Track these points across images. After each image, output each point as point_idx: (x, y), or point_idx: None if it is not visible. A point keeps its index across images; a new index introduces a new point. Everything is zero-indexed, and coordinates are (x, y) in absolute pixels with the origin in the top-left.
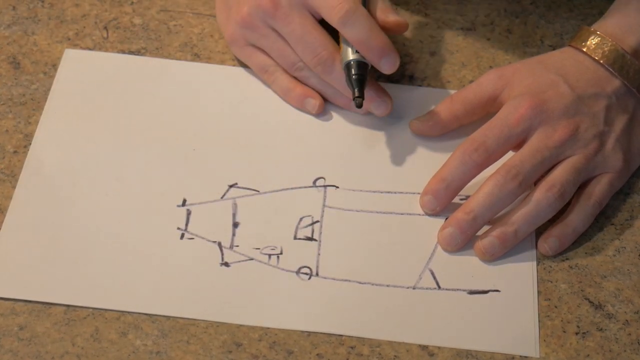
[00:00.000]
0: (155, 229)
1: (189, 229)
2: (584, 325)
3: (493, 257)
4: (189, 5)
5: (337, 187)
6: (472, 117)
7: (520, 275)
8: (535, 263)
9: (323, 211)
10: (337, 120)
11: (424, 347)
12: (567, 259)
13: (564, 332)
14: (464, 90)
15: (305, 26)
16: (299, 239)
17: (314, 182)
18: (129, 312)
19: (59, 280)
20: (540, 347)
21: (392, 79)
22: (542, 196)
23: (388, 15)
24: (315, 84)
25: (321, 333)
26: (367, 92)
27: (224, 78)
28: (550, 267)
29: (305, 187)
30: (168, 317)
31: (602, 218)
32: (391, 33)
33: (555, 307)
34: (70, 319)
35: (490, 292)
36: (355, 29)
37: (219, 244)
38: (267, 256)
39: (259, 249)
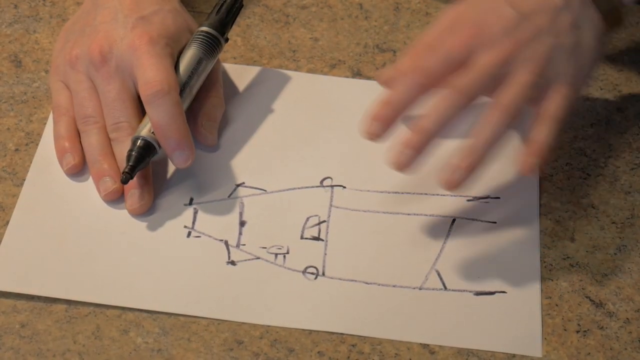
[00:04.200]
0: (162, 227)
1: (195, 227)
2: (585, 323)
3: (460, 179)
4: (189, 4)
5: (344, 187)
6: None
7: (526, 277)
8: (540, 265)
9: (330, 211)
10: (344, 120)
11: (425, 346)
12: (568, 257)
13: (565, 330)
14: (423, 36)
15: (121, 93)
16: (306, 238)
17: (321, 182)
18: (130, 310)
19: (65, 276)
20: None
21: None
22: (490, 117)
23: (204, 123)
24: (92, 142)
25: (322, 331)
26: (137, 176)
27: (230, 78)
28: (552, 265)
29: (313, 186)
30: (169, 315)
31: (603, 216)
32: (198, 138)
33: (556, 305)
34: (72, 317)
35: (497, 294)
36: (158, 112)
37: (226, 243)
38: (273, 255)
39: (265, 248)
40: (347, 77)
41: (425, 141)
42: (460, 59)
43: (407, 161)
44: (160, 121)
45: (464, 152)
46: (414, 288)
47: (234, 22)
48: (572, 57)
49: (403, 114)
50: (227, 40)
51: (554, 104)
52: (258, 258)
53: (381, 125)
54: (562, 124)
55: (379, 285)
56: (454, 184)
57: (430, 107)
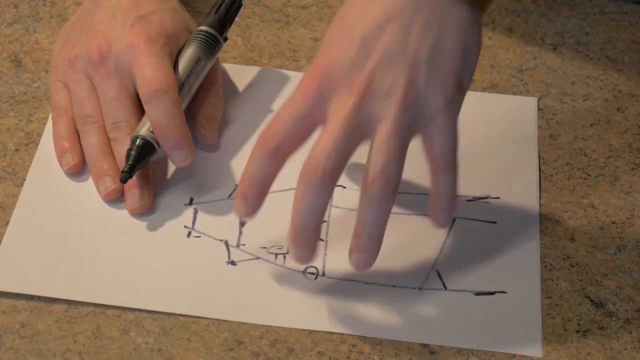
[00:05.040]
0: (162, 227)
1: (195, 227)
2: (585, 323)
3: (368, 266)
4: (188, 3)
5: (344, 187)
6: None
7: (526, 277)
8: (540, 265)
9: (330, 211)
10: None
11: (425, 346)
12: (568, 257)
13: (565, 330)
14: None
15: (119, 93)
16: None
17: None
18: (130, 310)
19: (65, 276)
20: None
21: None
22: (367, 199)
23: (204, 123)
24: (92, 142)
25: (322, 331)
26: (136, 176)
27: (230, 78)
28: (551, 265)
29: None
30: (169, 315)
31: (603, 216)
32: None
33: (556, 305)
34: (72, 317)
35: (497, 294)
36: (157, 111)
37: (226, 243)
38: (273, 255)
39: (265, 248)
40: None
41: (308, 235)
42: (314, 113)
43: (306, 257)
44: (159, 120)
45: (360, 239)
46: (414, 288)
47: (232, 21)
48: (437, 70)
49: (267, 187)
50: (226, 39)
51: (439, 143)
52: (258, 258)
53: (246, 204)
54: (456, 158)
55: (378, 285)
56: (364, 267)
57: (295, 198)
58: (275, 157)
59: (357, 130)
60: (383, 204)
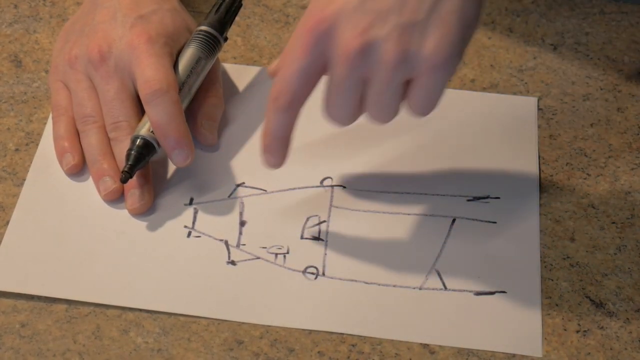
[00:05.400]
0: (162, 227)
1: (196, 227)
2: (585, 323)
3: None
4: (189, 3)
5: (344, 187)
6: None
7: (526, 277)
8: (540, 265)
9: (330, 211)
10: None
11: (425, 345)
12: (568, 257)
13: (565, 330)
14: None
15: (119, 92)
16: (306, 238)
17: (321, 182)
18: (130, 310)
19: (65, 276)
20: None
21: None
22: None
23: (204, 123)
24: (92, 142)
25: (322, 331)
26: (137, 176)
27: (230, 78)
28: (552, 265)
29: (313, 186)
30: (169, 315)
31: (603, 216)
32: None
33: (556, 305)
34: (72, 317)
35: (497, 293)
36: (157, 111)
37: (226, 243)
38: (273, 255)
39: (265, 248)
40: None
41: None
42: (317, 64)
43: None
44: (160, 120)
45: None
46: (414, 288)
47: (233, 21)
48: (431, 33)
49: (288, 137)
50: (226, 39)
51: (414, 101)
52: (258, 258)
53: (273, 156)
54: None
55: (379, 285)
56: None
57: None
58: (290, 110)
59: (353, 91)
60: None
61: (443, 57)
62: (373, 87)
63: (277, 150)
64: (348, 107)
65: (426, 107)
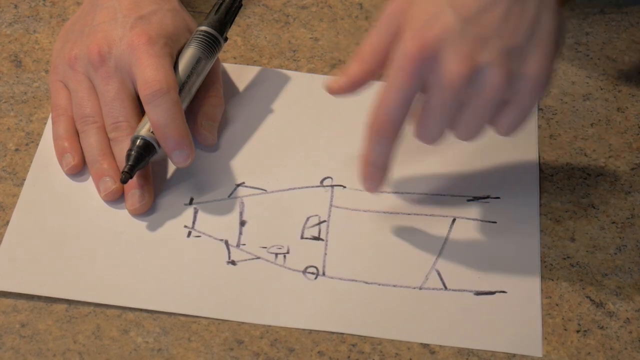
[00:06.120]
0: (162, 227)
1: (196, 227)
2: (585, 323)
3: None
4: (189, 3)
5: (345, 187)
6: (384, 63)
7: (526, 277)
8: (540, 265)
9: (330, 211)
10: (344, 119)
11: (425, 345)
12: (568, 257)
13: (565, 330)
14: (368, 37)
15: (119, 93)
16: (306, 238)
17: (321, 181)
18: (130, 310)
19: (65, 276)
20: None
21: None
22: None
23: (204, 123)
24: (92, 142)
25: (322, 331)
26: (137, 176)
27: (230, 78)
28: (552, 265)
29: (313, 186)
30: (169, 315)
31: (603, 216)
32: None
33: (557, 305)
34: (72, 317)
35: (497, 293)
36: (157, 111)
37: (226, 242)
38: (273, 255)
39: (265, 247)
40: None
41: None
42: (417, 90)
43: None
44: (160, 120)
45: None
46: (414, 288)
47: (233, 21)
48: (533, 54)
49: (389, 163)
50: (226, 39)
51: (506, 120)
52: (258, 258)
53: (374, 183)
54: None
55: (379, 285)
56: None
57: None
58: (392, 138)
59: (452, 110)
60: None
61: (544, 77)
62: (471, 109)
63: (379, 177)
64: (442, 129)
65: (516, 128)
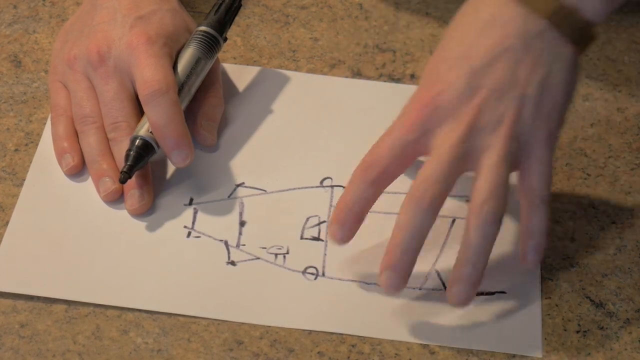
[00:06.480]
0: (162, 227)
1: (195, 227)
2: (585, 323)
3: (468, 300)
4: (189, 3)
5: (344, 187)
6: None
7: (526, 277)
8: (540, 264)
9: (330, 211)
10: (344, 120)
11: (425, 346)
12: (568, 257)
13: (565, 330)
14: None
15: (119, 93)
16: (306, 238)
17: (321, 182)
18: (130, 310)
19: (65, 276)
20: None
21: (393, 77)
22: (476, 222)
23: (203, 123)
24: (91, 142)
25: (322, 331)
26: (136, 176)
27: (230, 78)
28: (551, 265)
29: (312, 187)
30: (169, 315)
31: (603, 217)
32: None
33: (556, 305)
34: (72, 317)
35: (497, 294)
36: (156, 111)
37: (226, 243)
38: (273, 255)
39: (265, 248)
40: (347, 77)
41: (406, 259)
42: (418, 143)
43: (397, 284)
44: (159, 121)
45: (461, 271)
46: (414, 288)
47: (232, 21)
48: (543, 105)
49: (365, 213)
50: (225, 39)
51: (536, 177)
52: (258, 258)
53: (343, 229)
54: (550, 196)
55: (378, 285)
56: (465, 302)
57: (398, 224)
58: (376, 185)
59: (463, 160)
60: (494, 227)
61: (553, 129)
62: (488, 159)
63: (349, 225)
64: (448, 184)
65: (545, 181)
